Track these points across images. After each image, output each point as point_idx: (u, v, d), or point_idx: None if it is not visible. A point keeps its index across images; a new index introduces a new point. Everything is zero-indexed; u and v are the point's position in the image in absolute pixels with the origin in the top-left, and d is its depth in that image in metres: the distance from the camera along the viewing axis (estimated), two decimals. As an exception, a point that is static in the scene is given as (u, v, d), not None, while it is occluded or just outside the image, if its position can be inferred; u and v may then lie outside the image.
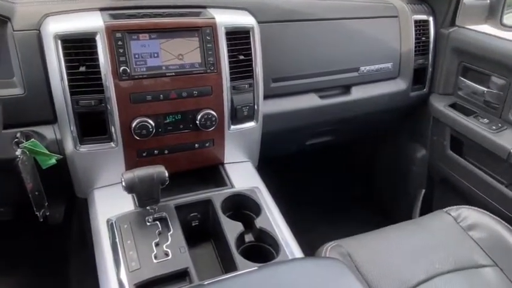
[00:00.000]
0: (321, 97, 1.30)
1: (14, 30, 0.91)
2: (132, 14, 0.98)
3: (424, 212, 1.58)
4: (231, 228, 0.91)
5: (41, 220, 1.01)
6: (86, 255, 1.42)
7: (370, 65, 1.35)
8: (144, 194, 0.88)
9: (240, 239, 0.91)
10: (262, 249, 0.92)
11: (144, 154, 1.02)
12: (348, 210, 1.80)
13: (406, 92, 1.45)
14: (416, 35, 1.40)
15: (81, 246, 1.49)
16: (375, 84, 1.39)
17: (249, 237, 0.94)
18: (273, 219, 0.96)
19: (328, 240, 1.06)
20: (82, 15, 0.94)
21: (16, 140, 0.92)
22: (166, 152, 1.04)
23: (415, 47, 1.41)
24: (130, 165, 1.01)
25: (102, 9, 0.97)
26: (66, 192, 1.13)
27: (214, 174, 1.12)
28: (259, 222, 0.94)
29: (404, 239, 1.08)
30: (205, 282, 0.67)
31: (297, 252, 0.89)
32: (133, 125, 0.96)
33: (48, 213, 1.02)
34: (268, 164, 1.25)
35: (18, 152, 0.91)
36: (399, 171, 1.69)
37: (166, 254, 0.83)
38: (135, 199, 0.89)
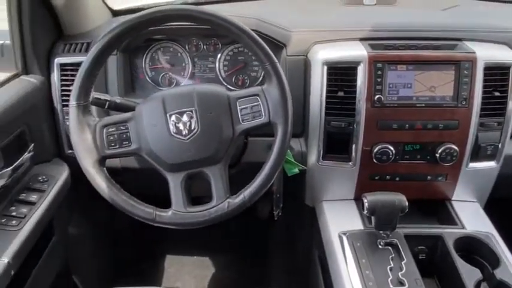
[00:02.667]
0: None
1: (287, 55, 1.06)
2: (389, 44, 1.03)
3: None
4: (467, 273, 0.87)
5: (276, 219, 1.15)
6: (289, 255, 1.55)
7: None
8: (384, 218, 0.91)
9: (477, 286, 0.86)
10: (500, 304, 0.86)
11: (376, 177, 1.06)
12: None
13: None
14: None
15: (282, 244, 1.64)
16: None
17: (484, 286, 0.89)
18: (514, 273, 0.88)
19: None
20: (346, 45, 1.03)
21: None
22: (397, 179, 1.06)
23: None
24: (361, 186, 1.07)
25: (361, 39, 1.05)
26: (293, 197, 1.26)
27: (440, 209, 1.09)
28: (499, 274, 0.87)
29: None
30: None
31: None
32: (375, 149, 1.01)
33: (280, 214, 1.16)
34: (491, 206, 1.14)
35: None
36: None
37: (402, 283, 0.85)
38: (373, 221, 0.94)
